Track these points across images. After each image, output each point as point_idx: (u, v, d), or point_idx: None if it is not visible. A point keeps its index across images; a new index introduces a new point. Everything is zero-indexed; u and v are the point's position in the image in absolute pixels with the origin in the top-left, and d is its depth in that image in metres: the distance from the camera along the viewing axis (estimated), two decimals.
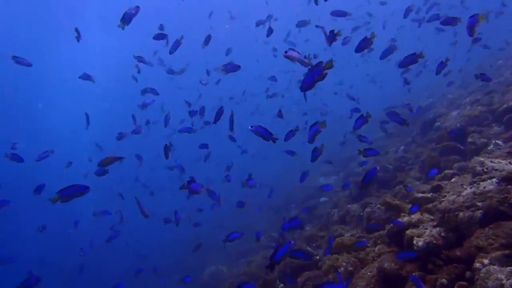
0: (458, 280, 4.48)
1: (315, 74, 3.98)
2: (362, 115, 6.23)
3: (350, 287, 5.49)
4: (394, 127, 17.32)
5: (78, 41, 8.22)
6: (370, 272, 5.45)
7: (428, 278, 4.72)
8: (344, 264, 5.77)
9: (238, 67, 6.52)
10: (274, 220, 16.49)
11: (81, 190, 4.47)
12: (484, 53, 18.74)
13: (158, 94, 10.09)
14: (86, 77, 9.36)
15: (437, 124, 10.66)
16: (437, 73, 7.00)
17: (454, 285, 4.48)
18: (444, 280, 4.55)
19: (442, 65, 6.84)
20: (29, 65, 8.04)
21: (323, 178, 18.03)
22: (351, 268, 5.67)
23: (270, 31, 9.93)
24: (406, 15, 11.44)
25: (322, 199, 14.12)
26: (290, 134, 6.84)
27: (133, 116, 10.37)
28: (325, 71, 3.99)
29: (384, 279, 5.21)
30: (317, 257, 7.27)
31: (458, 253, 4.74)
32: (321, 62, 4.01)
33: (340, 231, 8.32)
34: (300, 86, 4.16)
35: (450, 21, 6.63)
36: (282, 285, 7.41)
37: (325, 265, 6.06)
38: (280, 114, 9.05)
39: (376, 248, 6.01)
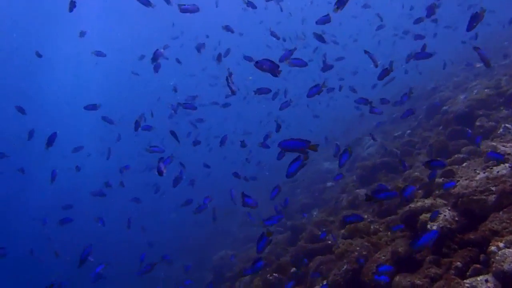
0: (473, 263, 4.60)
1: (297, 165, 4.32)
2: (317, 84, 6.30)
3: (364, 270, 5.61)
4: (399, 111, 17.37)
5: (71, 11, 7.99)
6: (384, 256, 5.57)
7: (443, 262, 4.84)
8: (358, 248, 5.89)
9: (306, 64, 6.48)
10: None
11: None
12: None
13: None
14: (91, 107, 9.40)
15: (445, 108, 10.67)
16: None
17: (469, 268, 4.60)
18: (459, 263, 4.66)
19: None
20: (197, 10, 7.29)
21: (328, 163, 18.11)
22: (365, 253, 5.79)
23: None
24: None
25: (329, 183, 14.23)
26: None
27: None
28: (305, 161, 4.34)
29: (398, 263, 5.32)
30: (329, 242, 7.40)
31: (472, 236, 4.84)
32: (299, 156, 4.30)
33: (350, 215, 8.43)
34: (286, 174, 4.41)
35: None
36: (294, 269, 7.56)
37: (339, 249, 6.18)
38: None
39: (390, 232, 6.13)
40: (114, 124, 10.75)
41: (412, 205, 5.65)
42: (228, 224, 19.31)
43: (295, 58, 6.40)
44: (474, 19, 5.15)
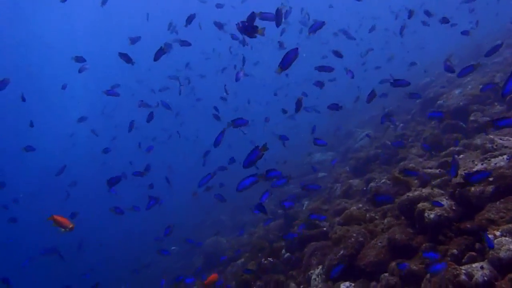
0: (469, 251, 4.71)
1: (254, 155, 4.79)
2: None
3: (360, 256, 5.70)
4: (391, 105, 17.54)
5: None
6: (380, 242, 5.67)
7: (439, 249, 4.94)
8: (354, 235, 5.97)
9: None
10: (273, 197, 16.78)
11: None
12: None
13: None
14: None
15: (440, 102, 10.80)
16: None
17: (464, 256, 4.72)
18: (455, 250, 4.77)
19: None
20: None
21: (319, 154, 18.23)
22: (362, 239, 5.88)
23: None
24: None
25: (321, 174, 14.34)
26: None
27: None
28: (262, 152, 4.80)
29: (394, 249, 5.43)
30: (324, 229, 7.49)
31: (468, 225, 4.95)
32: (257, 146, 4.82)
33: (344, 204, 8.54)
34: (243, 164, 4.85)
35: None
36: (288, 254, 7.64)
37: (336, 235, 6.26)
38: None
39: (386, 220, 6.22)
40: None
41: (409, 194, 5.74)
42: (218, 213, 19.39)
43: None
44: None
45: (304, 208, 11.12)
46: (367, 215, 6.67)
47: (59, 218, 5.25)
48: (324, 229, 7.47)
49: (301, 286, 6.45)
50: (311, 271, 6.43)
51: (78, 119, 13.00)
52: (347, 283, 5.10)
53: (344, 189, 9.56)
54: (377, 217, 6.58)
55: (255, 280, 7.16)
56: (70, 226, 5.20)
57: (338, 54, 8.99)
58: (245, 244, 10.75)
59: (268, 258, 7.52)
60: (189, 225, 19.68)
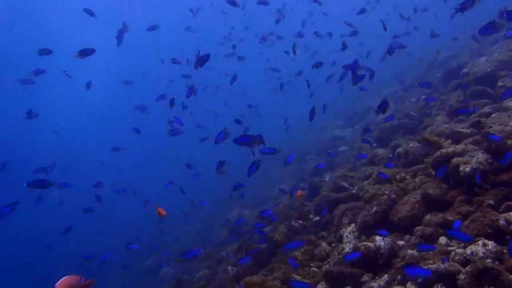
0: (505, 201, 4.77)
1: (254, 167, 5.46)
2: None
3: (393, 211, 5.80)
4: (411, 79, 17.37)
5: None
6: (413, 198, 5.75)
7: (475, 200, 5.01)
8: (387, 192, 6.06)
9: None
10: (292, 172, 16.96)
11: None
12: None
13: None
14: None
15: (465, 70, 10.69)
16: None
17: (501, 206, 4.78)
18: (491, 201, 4.83)
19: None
20: None
21: (338, 131, 18.25)
22: (394, 196, 5.97)
23: None
24: None
25: (342, 148, 14.38)
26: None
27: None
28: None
29: (428, 203, 5.50)
30: (353, 191, 7.59)
31: (505, 177, 5.00)
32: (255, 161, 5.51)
33: (370, 171, 8.62)
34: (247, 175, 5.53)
35: None
36: (317, 217, 7.79)
37: (368, 194, 6.37)
38: None
39: (417, 179, 6.29)
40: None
41: (443, 150, 5.78)
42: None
43: None
44: None
45: (327, 179, 11.23)
46: (397, 176, 6.74)
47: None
48: (353, 191, 7.58)
49: (333, 245, 6.60)
50: (343, 230, 6.57)
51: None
52: (382, 235, 5.20)
53: (369, 157, 9.61)
54: (407, 177, 6.64)
55: (286, 241, 7.33)
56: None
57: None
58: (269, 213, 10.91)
59: (298, 221, 7.69)
60: (211, 203, 20.00)
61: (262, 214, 7.16)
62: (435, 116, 10.05)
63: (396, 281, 4.61)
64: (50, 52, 8.71)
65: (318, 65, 8.60)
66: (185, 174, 12.76)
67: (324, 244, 6.70)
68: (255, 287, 5.33)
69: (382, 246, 5.03)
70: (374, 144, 10.98)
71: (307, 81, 8.91)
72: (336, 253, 6.14)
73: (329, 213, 7.52)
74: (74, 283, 3.72)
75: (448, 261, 4.20)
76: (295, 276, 5.73)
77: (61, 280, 3.67)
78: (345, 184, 7.99)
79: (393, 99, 16.32)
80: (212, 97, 25.39)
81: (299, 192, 8.88)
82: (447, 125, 8.79)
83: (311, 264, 6.19)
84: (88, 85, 12.80)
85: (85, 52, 6.97)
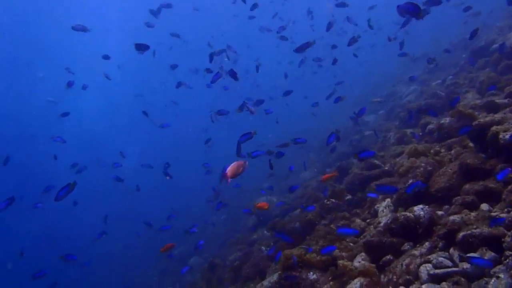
0: None
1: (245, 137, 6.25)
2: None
3: (430, 184, 5.77)
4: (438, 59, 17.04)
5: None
6: (450, 169, 5.70)
7: None
8: (423, 164, 6.03)
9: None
10: (317, 159, 16.99)
11: None
12: None
13: None
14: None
15: (495, 46, 10.45)
16: None
17: None
18: None
19: None
20: None
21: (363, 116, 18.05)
22: (430, 168, 5.93)
23: None
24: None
25: (367, 132, 14.26)
26: None
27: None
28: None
29: (466, 174, 5.44)
30: (386, 168, 7.57)
31: None
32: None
33: (401, 149, 8.55)
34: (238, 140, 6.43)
35: None
36: (349, 196, 7.80)
37: (403, 167, 6.34)
38: None
39: (453, 151, 6.23)
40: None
41: (481, 120, 5.70)
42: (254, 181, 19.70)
43: None
44: None
45: (355, 162, 11.16)
46: (432, 150, 6.68)
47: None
48: (386, 168, 7.55)
49: (367, 220, 6.61)
50: (377, 205, 6.57)
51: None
52: (421, 206, 5.18)
53: (398, 137, 9.54)
54: (442, 150, 6.58)
55: (319, 219, 7.39)
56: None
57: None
58: (298, 197, 10.96)
59: (331, 199, 7.72)
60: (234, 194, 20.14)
61: (292, 188, 7.34)
62: (465, 94, 9.86)
63: (437, 248, 4.61)
64: (85, 29, 9.09)
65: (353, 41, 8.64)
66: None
67: (358, 220, 6.72)
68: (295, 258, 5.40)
69: (421, 215, 5.02)
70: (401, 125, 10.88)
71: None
72: (371, 228, 6.17)
73: (361, 191, 7.52)
74: (240, 165, 4.73)
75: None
76: None
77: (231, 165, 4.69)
78: (377, 162, 7.97)
79: (418, 82, 16.09)
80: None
81: (326, 175, 8.85)
82: (478, 101, 8.64)
83: (347, 240, 6.22)
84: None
85: (141, 47, 7.36)
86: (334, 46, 12.92)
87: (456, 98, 7.27)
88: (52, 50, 37.79)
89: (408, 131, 9.76)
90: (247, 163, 4.82)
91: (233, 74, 7.93)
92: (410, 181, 5.90)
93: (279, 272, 6.02)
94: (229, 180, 4.89)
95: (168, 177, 10.25)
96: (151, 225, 12.60)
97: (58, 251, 10.59)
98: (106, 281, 19.90)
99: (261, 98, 11.00)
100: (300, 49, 8.35)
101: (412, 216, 5.08)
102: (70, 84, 11.22)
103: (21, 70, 36.76)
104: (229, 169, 4.83)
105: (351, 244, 6.13)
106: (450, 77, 12.82)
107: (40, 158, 29.15)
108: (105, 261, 20.89)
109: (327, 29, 11.21)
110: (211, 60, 9.89)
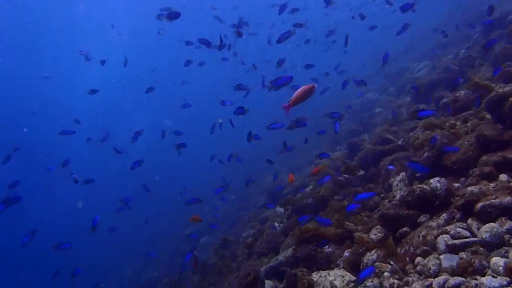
0: None
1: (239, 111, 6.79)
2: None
3: (446, 156, 5.70)
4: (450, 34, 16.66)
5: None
6: (467, 141, 5.62)
7: None
8: (439, 137, 5.95)
9: None
10: (326, 138, 16.85)
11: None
12: None
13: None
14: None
15: (510, 17, 10.16)
16: None
17: None
18: None
19: None
20: None
21: (371, 94, 17.88)
22: (446, 141, 5.86)
23: None
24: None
25: (377, 109, 14.13)
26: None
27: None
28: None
29: (483, 145, 5.36)
30: (399, 142, 7.50)
31: None
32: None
33: (414, 124, 8.45)
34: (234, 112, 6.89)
35: None
36: (362, 171, 7.77)
37: (418, 140, 6.27)
38: None
39: (469, 123, 6.13)
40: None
41: (499, 90, 5.58)
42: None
43: None
44: None
45: (366, 139, 11.10)
46: (447, 123, 6.58)
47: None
48: (399, 142, 7.48)
49: (381, 195, 6.59)
50: (392, 179, 6.53)
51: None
52: (437, 178, 5.14)
53: (411, 112, 9.39)
54: (458, 123, 6.48)
55: (332, 195, 7.38)
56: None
57: None
58: (309, 174, 10.96)
59: (344, 175, 7.69)
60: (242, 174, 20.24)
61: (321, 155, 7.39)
62: (479, 67, 9.66)
63: (455, 219, 4.58)
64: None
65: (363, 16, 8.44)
66: None
67: None
68: (310, 232, 5.42)
69: (438, 187, 4.97)
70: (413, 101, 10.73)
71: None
72: (386, 202, 6.16)
73: (374, 167, 7.48)
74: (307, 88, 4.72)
75: None
76: (348, 223, 5.78)
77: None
78: (390, 136, 7.90)
79: (430, 57, 15.79)
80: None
81: (316, 168, 8.61)
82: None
83: (362, 214, 6.22)
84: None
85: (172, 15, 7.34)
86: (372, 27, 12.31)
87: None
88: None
89: (421, 106, 9.62)
90: (315, 86, 4.68)
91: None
92: (426, 154, 5.84)
93: (294, 246, 6.08)
94: (289, 109, 4.77)
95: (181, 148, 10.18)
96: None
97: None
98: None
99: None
100: (280, 41, 8.28)
101: (429, 188, 5.04)
102: (102, 63, 11.26)
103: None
104: (295, 96, 4.71)
105: (366, 218, 6.14)
106: (463, 51, 12.56)
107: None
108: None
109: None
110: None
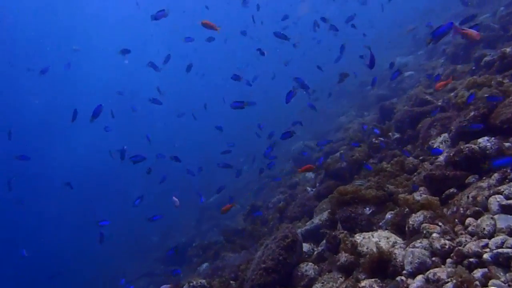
0: None
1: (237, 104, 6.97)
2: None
3: (494, 115, 5.40)
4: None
5: None
6: None
7: None
8: (486, 95, 5.62)
9: None
10: (353, 104, 16.53)
11: None
12: None
13: None
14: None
15: None
16: None
17: None
18: None
19: None
20: None
21: (399, 58, 17.23)
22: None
23: None
24: None
25: (408, 73, 13.60)
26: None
27: None
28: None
29: None
30: (439, 103, 7.18)
31: None
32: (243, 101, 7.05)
33: (454, 85, 8.06)
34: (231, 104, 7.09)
35: None
36: (397, 135, 7.51)
37: (463, 99, 5.96)
38: None
39: None
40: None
41: None
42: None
43: None
44: None
45: (397, 102, 10.73)
46: (493, 81, 6.21)
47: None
48: (439, 103, 7.15)
49: (420, 158, 6.36)
50: (432, 141, 6.28)
51: None
52: (486, 137, 4.87)
53: (447, 73, 8.97)
54: (505, 80, 6.10)
55: (367, 159, 7.19)
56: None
57: None
58: (339, 139, 10.76)
59: (379, 138, 7.46)
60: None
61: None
62: None
63: (508, 179, 4.35)
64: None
65: None
66: None
67: (410, 158, 6.48)
68: (349, 194, 5.29)
69: (488, 146, 4.73)
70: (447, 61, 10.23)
71: None
72: (427, 164, 5.94)
73: (412, 129, 7.21)
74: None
75: None
76: (389, 186, 5.61)
77: None
78: (429, 97, 7.56)
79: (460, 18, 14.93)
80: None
81: (303, 168, 7.72)
82: None
83: (401, 176, 6.03)
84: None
85: None
86: None
87: None
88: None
89: (458, 67, 9.16)
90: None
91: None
92: (472, 113, 5.53)
93: (329, 210, 5.98)
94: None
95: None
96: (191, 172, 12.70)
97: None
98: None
99: None
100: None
101: (477, 148, 4.80)
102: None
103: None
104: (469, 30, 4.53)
105: (406, 181, 5.95)
106: (502, 8, 11.78)
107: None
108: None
109: None
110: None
